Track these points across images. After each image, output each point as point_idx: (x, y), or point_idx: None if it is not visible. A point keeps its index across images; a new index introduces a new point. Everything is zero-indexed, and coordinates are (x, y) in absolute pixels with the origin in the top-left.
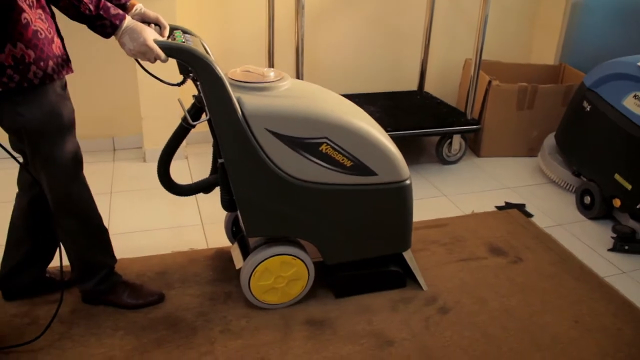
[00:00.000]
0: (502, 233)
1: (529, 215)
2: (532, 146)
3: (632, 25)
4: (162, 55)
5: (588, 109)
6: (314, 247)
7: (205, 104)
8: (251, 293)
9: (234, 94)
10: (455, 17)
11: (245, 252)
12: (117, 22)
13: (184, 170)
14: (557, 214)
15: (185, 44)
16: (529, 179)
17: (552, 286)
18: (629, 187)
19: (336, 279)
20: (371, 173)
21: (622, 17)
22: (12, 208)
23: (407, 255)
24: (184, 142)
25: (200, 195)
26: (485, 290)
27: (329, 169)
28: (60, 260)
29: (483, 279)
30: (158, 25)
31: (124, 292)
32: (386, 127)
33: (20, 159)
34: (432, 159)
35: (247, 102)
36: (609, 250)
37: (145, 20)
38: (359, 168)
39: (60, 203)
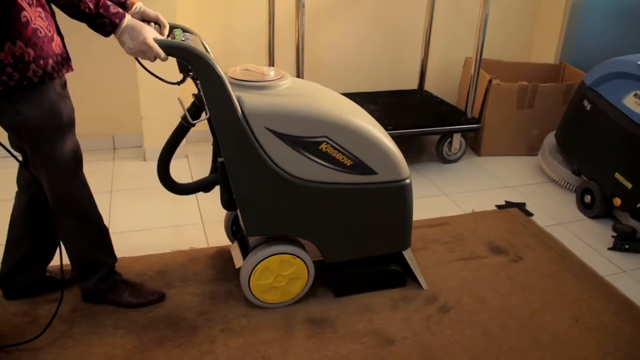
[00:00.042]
0: (502, 232)
1: (529, 214)
2: (532, 145)
3: (633, 24)
4: (162, 53)
5: (588, 108)
6: (314, 246)
7: (205, 103)
8: (251, 292)
9: (233, 93)
10: (456, 16)
11: (245, 251)
12: (117, 21)
13: (184, 169)
14: (557, 212)
15: (185, 42)
16: (530, 178)
17: (552, 285)
18: (630, 186)
19: (336, 278)
20: (371, 172)
21: (623, 16)
22: (11, 207)
23: (407, 254)
24: (184, 141)
25: (201, 193)
26: (486, 289)
27: (329, 167)
28: (60, 259)
29: (483, 277)
30: (158, 23)
31: (125, 291)
32: (386, 126)
33: (20, 158)
34: (432, 157)
35: (247, 100)
36: (609, 249)
37: (145, 19)
38: (359, 167)
39: (60, 202)
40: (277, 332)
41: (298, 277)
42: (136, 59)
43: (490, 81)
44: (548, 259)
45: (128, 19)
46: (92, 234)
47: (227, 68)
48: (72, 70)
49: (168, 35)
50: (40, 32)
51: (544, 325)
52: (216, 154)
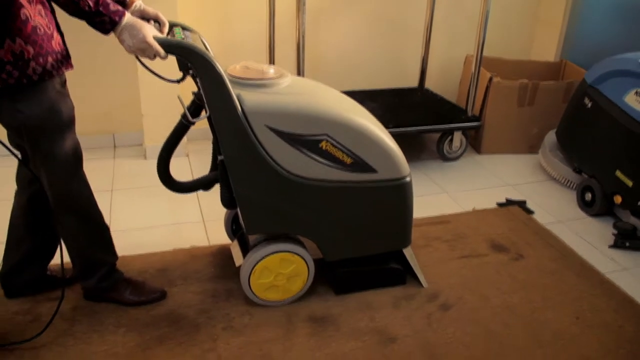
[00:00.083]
0: (503, 230)
1: (530, 212)
2: (533, 143)
3: (633, 21)
4: (162, 51)
5: (589, 105)
6: (314, 244)
7: (205, 101)
8: (252, 291)
9: (233, 91)
10: (456, 14)
11: (245, 250)
12: (117, 19)
13: (184, 168)
14: (558, 210)
15: (184, 40)
16: (530, 176)
17: (554, 283)
18: (630, 183)
19: (336, 276)
20: (371, 170)
21: (623, 14)
22: (11, 206)
23: (408, 252)
24: (185, 139)
25: (201, 192)
26: (487, 287)
27: (329, 166)
28: (61, 257)
29: (485, 275)
30: (157, 21)
31: (126, 290)
32: (387, 124)
33: (19, 155)
34: (433, 155)
35: (247, 99)
36: (610, 246)
37: (145, 17)
38: (359, 165)
39: (60, 200)
40: (278, 330)
41: (298, 274)
42: (136, 57)
43: (490, 79)
44: (549, 256)
45: (128, 17)
46: (92, 232)
47: (227, 66)
48: (72, 68)
49: (168, 33)
50: (40, 30)
51: (545, 323)
52: (216, 152)
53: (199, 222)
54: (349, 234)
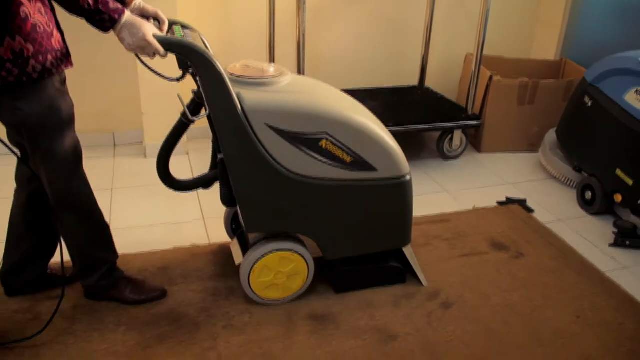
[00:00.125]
0: (503, 228)
1: (530, 210)
2: (533, 141)
3: (633, 20)
4: (161, 50)
5: (589, 104)
6: (314, 243)
7: (205, 99)
8: (252, 290)
9: (233, 89)
10: (457, 12)
11: (245, 248)
12: (116, 17)
13: (184, 166)
14: (558, 209)
15: (184, 38)
16: (530, 175)
17: (554, 281)
18: (630, 182)
19: (336, 274)
20: (371, 169)
21: (623, 12)
22: (11, 205)
23: (407, 250)
24: (185, 138)
25: (201, 190)
26: (487, 285)
27: (328, 164)
28: (61, 255)
29: (485, 274)
30: (157, 20)
31: (127, 288)
32: (387, 122)
33: (18, 153)
34: (433, 154)
35: (246, 97)
36: (610, 245)
37: (145, 15)
38: (359, 164)
39: (60, 198)
40: (279, 329)
41: (297, 273)
42: (136, 55)
43: (490, 77)
44: (549, 255)
45: (127, 15)
46: (92, 230)
47: (227, 64)
48: (72, 66)
49: (167, 32)
50: (40, 28)
51: (545, 322)
52: (216, 150)
53: (199, 221)
54: (348, 232)
